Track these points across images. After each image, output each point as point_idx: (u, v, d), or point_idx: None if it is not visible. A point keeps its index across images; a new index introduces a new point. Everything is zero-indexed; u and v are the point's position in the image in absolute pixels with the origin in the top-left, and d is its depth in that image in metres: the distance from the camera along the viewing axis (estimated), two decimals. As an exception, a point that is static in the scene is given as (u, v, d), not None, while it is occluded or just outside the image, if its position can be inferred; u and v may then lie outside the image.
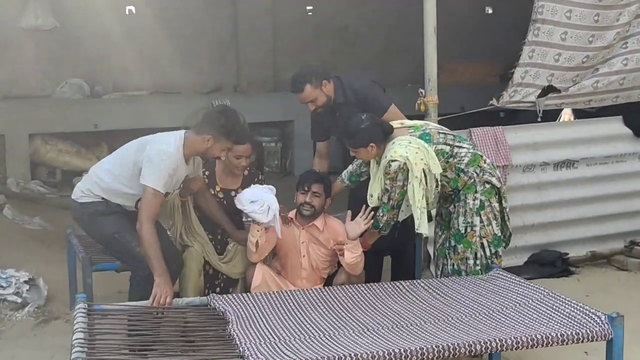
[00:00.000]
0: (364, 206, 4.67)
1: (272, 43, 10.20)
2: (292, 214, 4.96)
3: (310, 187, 4.84)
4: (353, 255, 4.62)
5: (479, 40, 10.84)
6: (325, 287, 4.33)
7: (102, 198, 4.50)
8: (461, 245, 4.70)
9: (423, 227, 4.54)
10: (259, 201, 4.50)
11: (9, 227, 7.36)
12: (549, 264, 6.26)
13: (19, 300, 5.49)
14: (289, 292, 4.24)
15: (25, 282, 5.60)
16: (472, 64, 10.59)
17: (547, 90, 6.06)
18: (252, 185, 4.79)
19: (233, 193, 5.09)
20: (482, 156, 4.78)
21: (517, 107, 6.20)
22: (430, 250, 5.83)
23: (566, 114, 8.50)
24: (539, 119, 6.19)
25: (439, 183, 4.60)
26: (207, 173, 5.07)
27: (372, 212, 4.66)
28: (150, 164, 4.28)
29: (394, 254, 5.39)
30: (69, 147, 8.98)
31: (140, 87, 9.47)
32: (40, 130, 8.79)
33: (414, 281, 4.48)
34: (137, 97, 9.37)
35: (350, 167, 5.07)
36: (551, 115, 7.00)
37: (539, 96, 6.06)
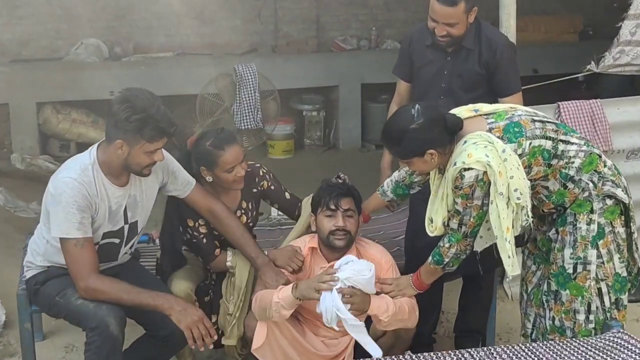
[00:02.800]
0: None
1: (314, -3, 8.83)
2: (309, 241, 3.34)
3: (338, 204, 3.22)
4: (386, 315, 3.12)
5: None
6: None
7: (46, 266, 3.26)
8: (567, 291, 3.02)
9: (515, 268, 2.92)
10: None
11: (-4, 216, 5.92)
12: (662, 282, 4.63)
13: (-35, 330, 4.05)
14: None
15: (-24, 304, 4.14)
16: (546, 18, 8.87)
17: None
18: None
19: (238, 213, 3.53)
20: (600, 155, 3.05)
21: (622, 73, 4.61)
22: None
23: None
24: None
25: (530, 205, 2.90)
26: None
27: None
28: (52, 207, 3.07)
29: (467, 278, 3.82)
30: (84, 117, 7.71)
31: (164, 47, 8.26)
32: (49, 97, 7.58)
33: (493, 349, 2.77)
34: (161, 60, 8.13)
35: (395, 175, 3.42)
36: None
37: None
